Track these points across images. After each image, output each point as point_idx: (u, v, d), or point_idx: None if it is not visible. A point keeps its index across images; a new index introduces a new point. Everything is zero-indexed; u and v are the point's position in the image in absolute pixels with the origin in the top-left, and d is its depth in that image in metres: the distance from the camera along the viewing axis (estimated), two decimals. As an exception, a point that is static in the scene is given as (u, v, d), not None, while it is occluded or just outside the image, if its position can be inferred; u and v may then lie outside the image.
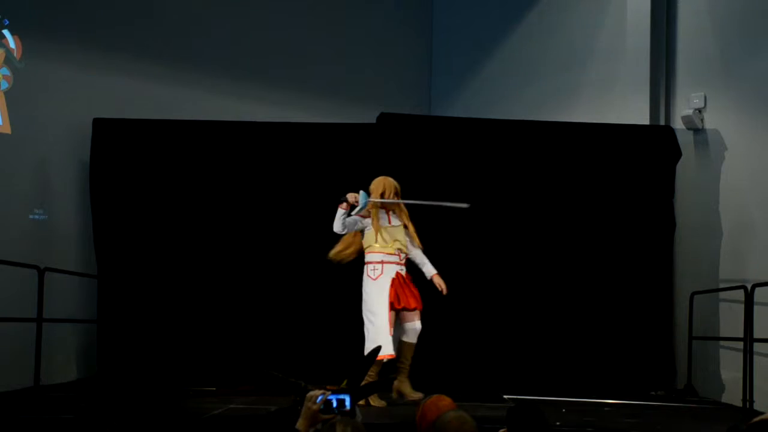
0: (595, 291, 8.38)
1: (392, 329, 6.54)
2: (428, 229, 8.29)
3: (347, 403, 3.57)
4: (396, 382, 6.65)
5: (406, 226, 6.82)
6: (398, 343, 6.67)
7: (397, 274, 6.63)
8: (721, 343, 8.38)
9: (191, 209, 8.47)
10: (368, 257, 6.70)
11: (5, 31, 8.26)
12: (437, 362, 7.96)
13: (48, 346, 7.75)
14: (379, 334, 6.47)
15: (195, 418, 5.80)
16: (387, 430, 5.51)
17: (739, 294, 7.63)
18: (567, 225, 8.46)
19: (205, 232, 8.45)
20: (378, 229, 6.62)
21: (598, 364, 8.25)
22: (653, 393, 8.20)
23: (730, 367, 8.18)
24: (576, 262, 8.42)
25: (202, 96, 9.46)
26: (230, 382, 7.68)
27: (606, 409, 6.93)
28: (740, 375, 7.45)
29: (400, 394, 6.68)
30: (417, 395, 6.49)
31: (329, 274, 8.36)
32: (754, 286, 7.45)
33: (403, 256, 6.71)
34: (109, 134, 8.50)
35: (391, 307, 6.53)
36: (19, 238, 8.17)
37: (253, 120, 8.90)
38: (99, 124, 8.50)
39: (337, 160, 8.53)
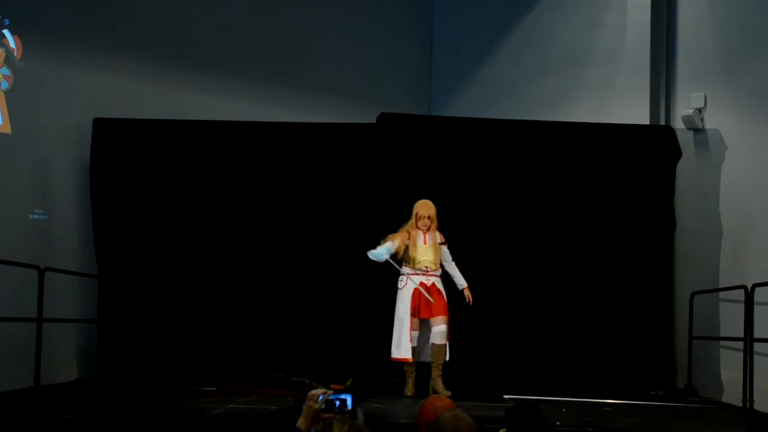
0: (595, 291, 8.38)
1: (412, 335, 7.33)
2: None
3: (349, 403, 3.58)
4: (430, 380, 7.35)
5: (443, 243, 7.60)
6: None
7: (421, 284, 7.39)
8: (721, 343, 8.38)
9: (191, 209, 8.47)
10: (402, 269, 7.47)
11: (5, 31, 8.26)
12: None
13: (48, 346, 7.75)
14: (397, 337, 7.38)
15: (195, 418, 5.80)
16: (387, 429, 5.51)
17: (739, 294, 7.63)
18: (567, 225, 8.46)
19: (206, 232, 8.45)
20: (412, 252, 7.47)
21: (598, 364, 8.25)
22: (653, 393, 8.20)
23: (730, 367, 8.18)
24: (576, 262, 8.42)
25: (202, 96, 9.45)
26: (230, 382, 7.68)
27: (606, 409, 6.93)
28: (740, 375, 7.45)
29: (434, 391, 7.19)
30: (447, 393, 7.02)
31: (330, 274, 8.41)
32: (754, 286, 7.45)
33: (431, 270, 7.46)
34: (109, 134, 8.50)
35: (414, 314, 7.33)
36: (19, 238, 8.17)
37: (253, 120, 8.90)
38: (99, 124, 8.50)
39: (337, 160, 8.55)
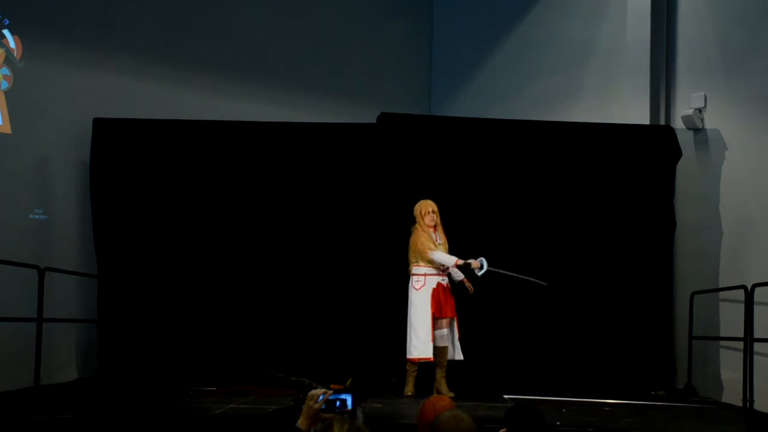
0: (595, 291, 8.38)
1: (435, 334, 7.30)
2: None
3: (349, 402, 3.58)
4: (435, 382, 7.37)
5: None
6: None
7: (438, 284, 7.40)
8: (721, 343, 8.38)
9: (191, 209, 8.47)
10: (414, 270, 7.45)
11: (5, 31, 8.26)
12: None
13: (48, 346, 7.75)
14: (418, 337, 7.29)
15: (195, 418, 5.80)
16: (387, 429, 5.51)
17: (739, 294, 7.63)
18: (567, 225, 8.46)
19: (205, 232, 8.45)
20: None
21: (598, 364, 8.26)
22: (653, 393, 8.20)
23: (730, 367, 8.18)
24: (576, 262, 8.42)
25: (202, 96, 9.45)
26: (230, 382, 7.68)
27: (606, 409, 6.93)
28: (740, 375, 7.45)
29: (438, 392, 7.17)
30: (450, 394, 7.09)
31: (329, 274, 8.41)
32: (754, 286, 7.45)
33: (443, 268, 7.46)
34: (109, 134, 8.50)
35: (437, 314, 7.31)
36: (19, 238, 8.17)
37: (253, 120, 8.90)
38: (99, 124, 8.50)
39: (337, 160, 8.55)
